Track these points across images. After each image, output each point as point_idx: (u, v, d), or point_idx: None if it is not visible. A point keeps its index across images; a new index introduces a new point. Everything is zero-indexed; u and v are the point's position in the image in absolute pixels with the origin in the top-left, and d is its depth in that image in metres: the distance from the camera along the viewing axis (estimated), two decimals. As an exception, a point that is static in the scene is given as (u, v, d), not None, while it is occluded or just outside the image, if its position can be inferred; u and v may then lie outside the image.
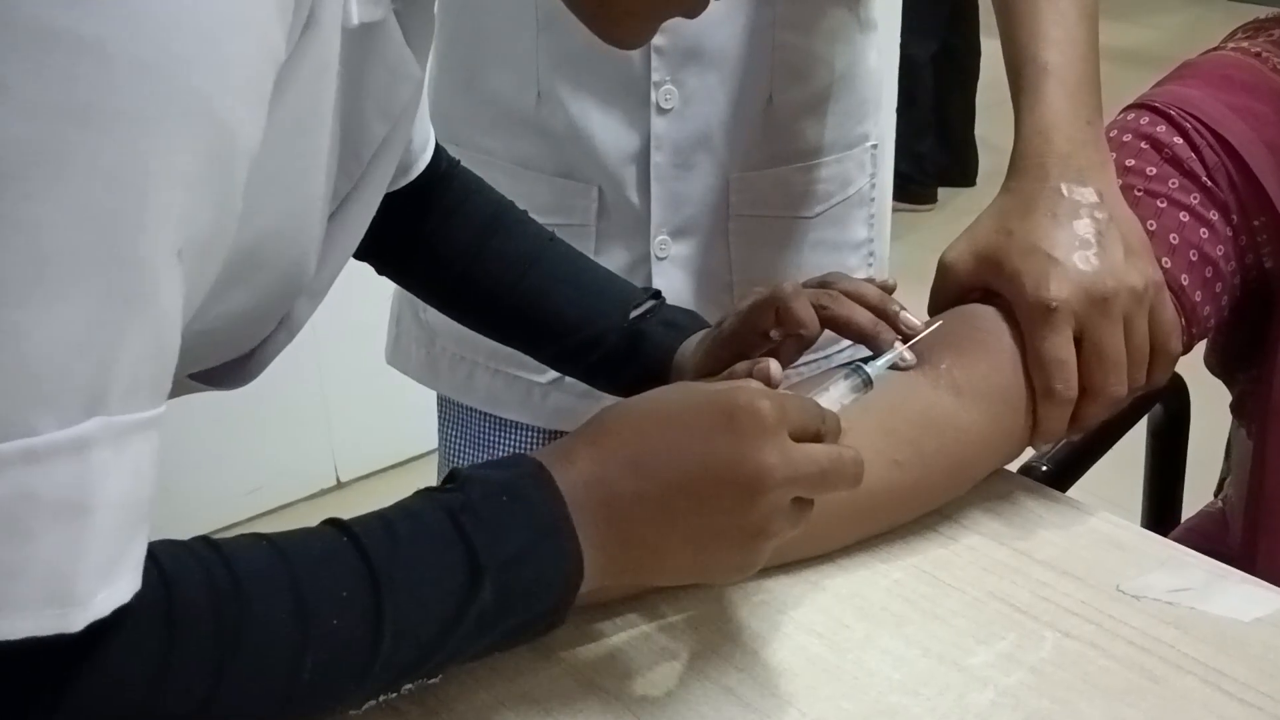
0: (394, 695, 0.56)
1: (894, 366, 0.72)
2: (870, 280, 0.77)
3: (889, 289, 0.76)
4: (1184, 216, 0.81)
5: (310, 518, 0.53)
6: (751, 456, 0.55)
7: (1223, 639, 0.64)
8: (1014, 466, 0.83)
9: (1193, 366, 0.95)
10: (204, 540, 0.49)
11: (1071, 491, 0.88)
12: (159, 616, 0.45)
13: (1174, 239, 0.80)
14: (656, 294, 0.85)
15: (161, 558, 0.46)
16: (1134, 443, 1.13)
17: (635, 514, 0.55)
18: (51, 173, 0.39)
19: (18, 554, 0.40)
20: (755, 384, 0.59)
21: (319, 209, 0.59)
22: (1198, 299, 0.80)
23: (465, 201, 0.85)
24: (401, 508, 0.54)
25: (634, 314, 0.83)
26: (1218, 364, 0.97)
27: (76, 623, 0.41)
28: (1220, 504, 1.09)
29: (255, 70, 0.45)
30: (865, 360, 0.69)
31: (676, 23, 0.65)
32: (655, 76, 0.93)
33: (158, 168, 0.41)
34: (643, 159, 0.96)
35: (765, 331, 0.75)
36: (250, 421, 2.12)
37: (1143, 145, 0.83)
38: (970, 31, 3.77)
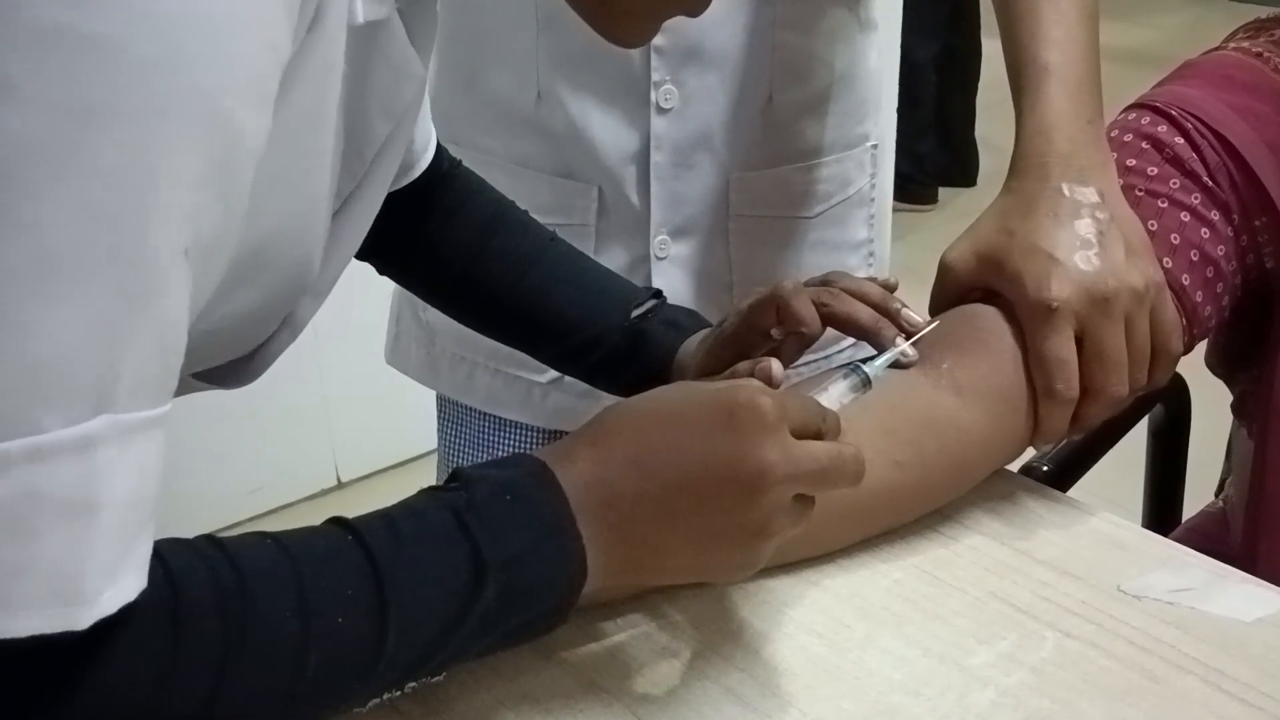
0: (397, 694, 0.56)
1: (896, 364, 0.71)
2: (872, 279, 0.77)
3: (891, 287, 0.76)
4: (1185, 216, 0.81)
5: (311, 518, 0.52)
6: (752, 454, 0.55)
7: (1224, 639, 0.64)
8: (1015, 466, 0.83)
9: (1193, 366, 0.95)
10: (208, 539, 0.49)
11: (1072, 491, 0.88)
12: (164, 615, 0.45)
13: (1175, 239, 0.80)
14: (658, 293, 0.85)
15: (166, 556, 0.46)
16: (1135, 443, 1.13)
17: (637, 513, 0.55)
18: (57, 171, 0.39)
19: (24, 552, 0.40)
20: (755, 382, 0.59)
21: (323, 208, 0.59)
22: (1199, 299, 0.80)
23: (467, 201, 0.85)
24: (405, 506, 0.54)
25: (635, 313, 0.83)
26: (1219, 364, 0.97)
27: (82, 621, 0.41)
28: (1221, 504, 1.09)
29: (261, 69, 0.45)
30: (865, 360, 0.69)
31: (676, 22, 0.65)
32: (655, 76, 0.93)
33: (163, 166, 0.41)
34: (642, 159, 0.96)
35: (766, 330, 0.75)
36: (251, 421, 2.12)
37: (1144, 145, 0.83)
38: (971, 32, 3.77)
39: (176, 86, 0.41)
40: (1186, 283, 0.80)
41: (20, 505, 0.40)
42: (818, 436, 0.59)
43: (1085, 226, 0.74)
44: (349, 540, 0.51)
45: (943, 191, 3.84)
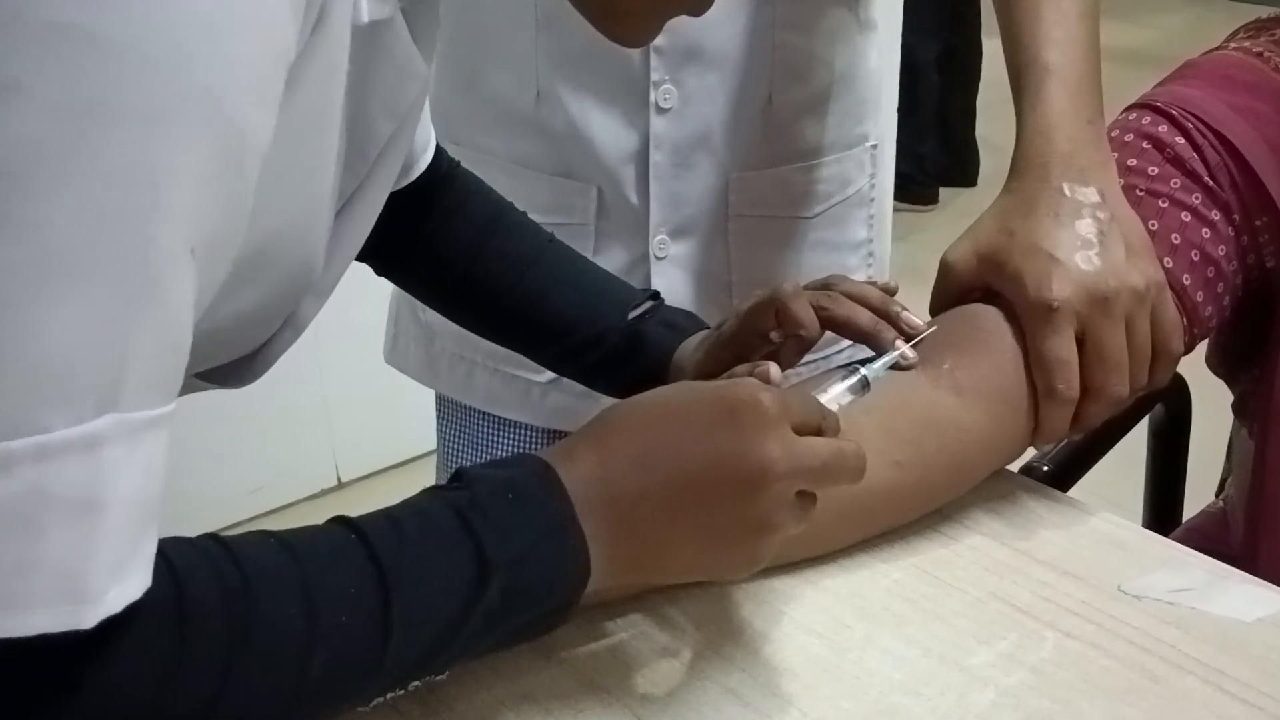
0: (401, 693, 0.56)
1: (895, 366, 0.71)
2: (872, 282, 0.77)
3: (890, 291, 0.76)
4: (1186, 216, 0.81)
5: (311, 518, 0.52)
6: (754, 449, 0.55)
7: (1224, 639, 0.64)
8: (1015, 466, 0.83)
9: (1194, 366, 0.94)
10: (213, 538, 0.49)
11: (1073, 491, 0.88)
12: (170, 614, 0.45)
13: (1176, 239, 0.80)
14: (655, 295, 0.85)
15: (171, 555, 0.46)
16: (1135, 443, 1.13)
17: (640, 511, 0.55)
18: (62, 170, 0.39)
19: (30, 551, 0.40)
20: (756, 381, 0.59)
21: (327, 208, 0.60)
22: (1199, 299, 0.80)
23: (466, 202, 0.85)
24: (408, 506, 0.54)
25: (633, 314, 0.83)
26: (1219, 364, 0.97)
27: (88, 620, 0.41)
28: (1221, 504, 1.09)
29: (266, 69, 0.45)
30: (864, 361, 0.69)
31: (676, 22, 0.65)
32: (654, 76, 0.93)
33: (168, 165, 0.41)
34: (642, 159, 0.96)
35: (766, 333, 0.75)
36: (251, 422, 2.12)
37: (1145, 145, 0.83)
38: (971, 32, 3.77)
39: (182, 86, 0.41)
40: (1187, 283, 0.80)
41: (26, 504, 0.40)
42: (818, 434, 0.59)
43: (1086, 226, 0.74)
44: (352, 539, 0.51)
45: (943, 192, 3.84)
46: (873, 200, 1.10)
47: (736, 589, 0.68)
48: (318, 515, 0.52)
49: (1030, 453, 0.83)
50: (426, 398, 1.16)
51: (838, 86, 1.02)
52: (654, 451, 0.56)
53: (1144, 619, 0.66)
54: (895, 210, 2.84)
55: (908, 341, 0.73)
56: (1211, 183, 0.81)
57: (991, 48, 3.35)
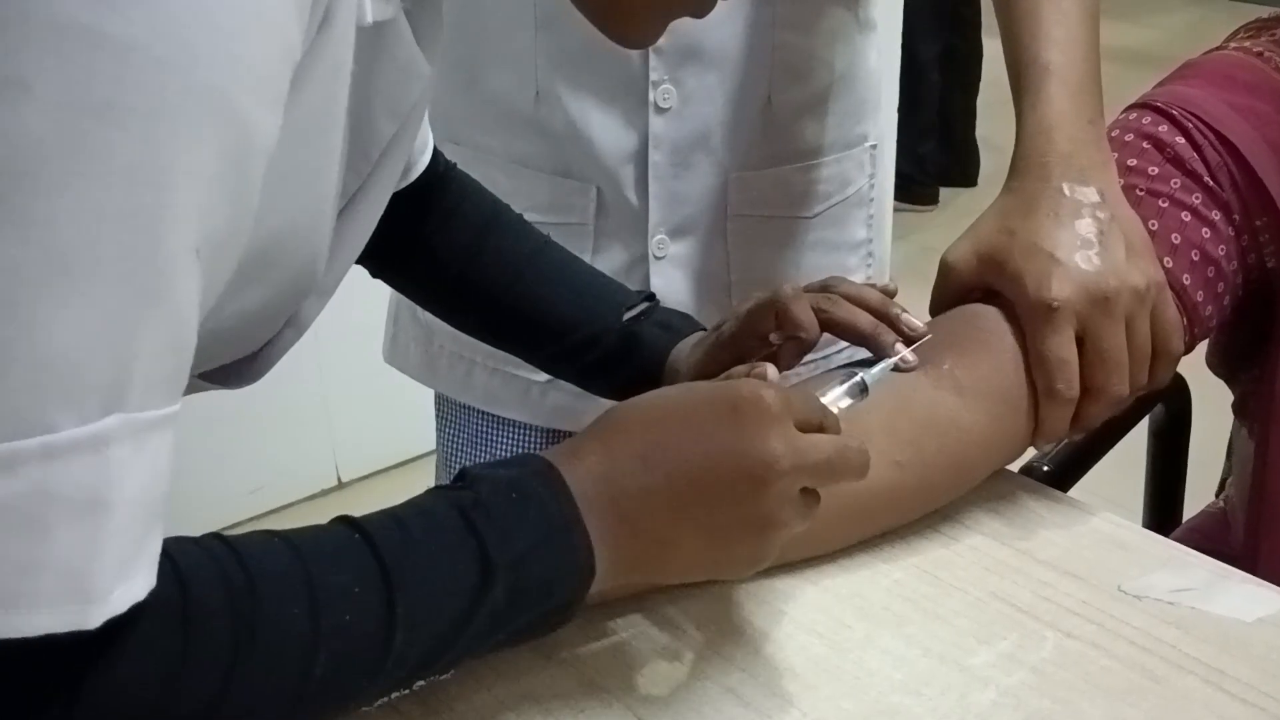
0: (405, 692, 0.56)
1: (896, 368, 0.71)
2: (871, 284, 0.77)
3: (890, 293, 0.76)
4: (1186, 216, 0.81)
5: (311, 518, 0.53)
6: (757, 446, 0.55)
7: (1225, 639, 0.64)
8: (1015, 466, 0.83)
9: (1194, 366, 0.95)
10: (217, 537, 0.49)
11: (1073, 491, 0.88)
12: (174, 614, 0.45)
13: (1176, 239, 0.80)
14: (650, 296, 0.85)
15: (176, 555, 0.46)
16: (1136, 443, 1.13)
17: (644, 510, 0.55)
18: (69, 169, 0.39)
19: (36, 550, 0.40)
20: (757, 379, 0.60)
21: (330, 207, 0.60)
22: (1199, 299, 0.80)
23: (463, 202, 0.85)
24: (412, 505, 0.54)
25: (628, 315, 0.82)
26: (1219, 364, 0.97)
27: (93, 619, 0.41)
28: (1222, 504, 1.09)
29: (272, 69, 0.45)
30: (863, 365, 0.69)
31: (676, 22, 0.65)
32: (654, 76, 0.93)
33: (176, 165, 0.41)
34: (641, 158, 0.96)
35: (765, 334, 0.75)
36: (251, 421, 2.12)
37: (1145, 145, 0.83)
38: (971, 32, 3.77)
39: (189, 85, 0.41)
40: (1187, 282, 0.80)
41: (32, 504, 0.40)
42: (820, 431, 0.59)
43: (1086, 226, 0.74)
44: (356, 539, 0.51)
45: (943, 192, 3.84)
46: (872, 200, 1.10)
47: (737, 589, 0.68)
48: (318, 515, 0.53)
49: (1030, 453, 0.83)
50: (426, 397, 1.16)
51: (837, 86, 1.02)
52: (657, 450, 0.56)
53: (1144, 619, 0.66)
54: (895, 210, 2.84)
55: (907, 345, 0.72)
56: (1212, 182, 0.81)
57: (991, 48, 3.36)
